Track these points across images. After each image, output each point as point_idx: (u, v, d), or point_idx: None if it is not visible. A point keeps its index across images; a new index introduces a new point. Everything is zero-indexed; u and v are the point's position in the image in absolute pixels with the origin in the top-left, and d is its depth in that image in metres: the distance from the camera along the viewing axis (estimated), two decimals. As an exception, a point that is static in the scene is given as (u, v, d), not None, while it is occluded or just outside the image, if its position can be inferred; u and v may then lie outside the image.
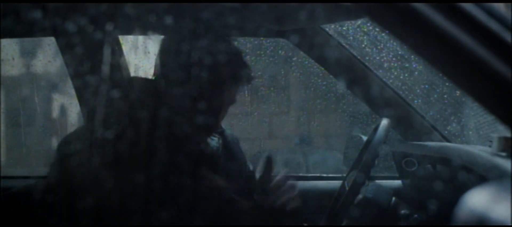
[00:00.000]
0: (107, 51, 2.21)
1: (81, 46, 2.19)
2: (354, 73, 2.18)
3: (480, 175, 1.21)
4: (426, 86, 2.53)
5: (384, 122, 1.59)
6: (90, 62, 2.21)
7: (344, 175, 1.89)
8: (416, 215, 1.58)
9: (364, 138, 2.06)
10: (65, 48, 2.22)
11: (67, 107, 4.03)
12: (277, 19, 2.00)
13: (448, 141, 2.23)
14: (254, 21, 2.02)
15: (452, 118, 2.45)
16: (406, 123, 2.19)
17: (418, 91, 2.50)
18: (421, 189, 1.52)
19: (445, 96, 2.51)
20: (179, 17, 1.98)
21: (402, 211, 1.65)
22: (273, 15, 1.97)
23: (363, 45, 2.44)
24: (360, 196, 1.59)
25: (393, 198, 1.67)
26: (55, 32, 2.18)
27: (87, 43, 2.18)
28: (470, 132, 2.31)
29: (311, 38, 2.13)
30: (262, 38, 2.64)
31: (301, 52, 2.34)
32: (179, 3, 1.83)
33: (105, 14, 2.02)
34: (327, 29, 2.14)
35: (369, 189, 1.63)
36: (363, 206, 1.58)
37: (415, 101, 2.31)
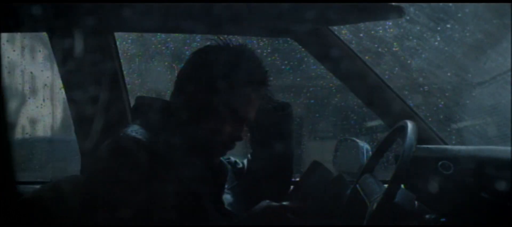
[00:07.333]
0: (101, 50, 2.11)
1: (74, 43, 2.08)
2: (359, 76, 2.14)
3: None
4: (425, 87, 2.53)
5: (411, 125, 1.52)
6: (83, 61, 2.10)
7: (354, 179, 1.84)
8: (443, 219, 1.55)
9: (359, 142, 2.01)
10: (57, 45, 2.10)
11: (39, 110, 3.91)
12: (285, 18, 1.95)
13: (445, 144, 2.22)
14: (261, 19, 1.96)
15: (450, 123, 2.47)
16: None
17: (418, 94, 2.51)
18: (455, 192, 1.48)
19: (444, 99, 2.52)
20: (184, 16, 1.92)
21: (427, 216, 1.61)
22: (281, 14, 1.92)
23: (367, 47, 2.42)
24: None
25: (416, 202, 1.63)
26: (48, 28, 2.07)
27: (81, 40, 2.07)
28: (470, 136, 2.32)
29: (318, 39, 2.08)
30: (267, 38, 2.57)
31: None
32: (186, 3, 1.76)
33: (101, 11, 1.93)
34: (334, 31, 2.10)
35: (393, 193, 1.59)
36: (389, 210, 1.53)
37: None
